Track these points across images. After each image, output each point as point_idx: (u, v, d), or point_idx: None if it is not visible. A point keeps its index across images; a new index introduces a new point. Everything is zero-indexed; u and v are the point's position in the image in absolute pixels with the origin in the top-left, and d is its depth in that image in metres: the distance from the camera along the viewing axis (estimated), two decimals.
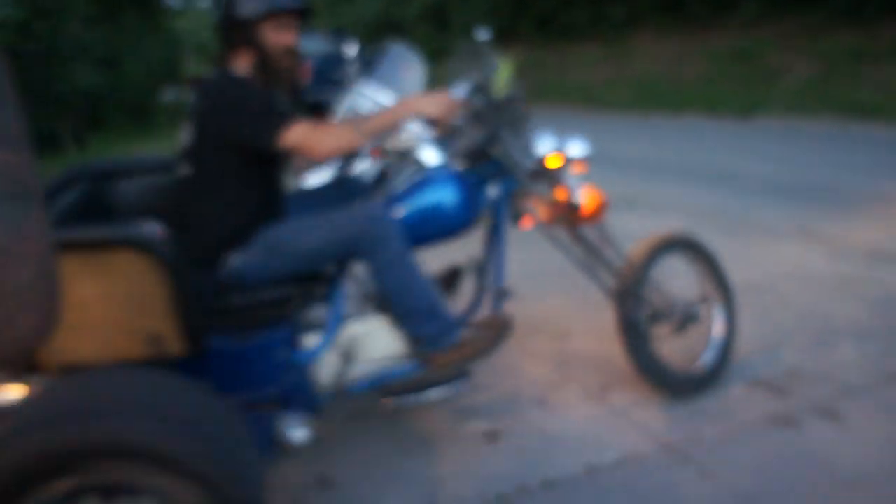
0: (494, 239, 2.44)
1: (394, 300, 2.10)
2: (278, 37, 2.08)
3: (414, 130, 2.43)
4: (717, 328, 2.77)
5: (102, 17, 11.66)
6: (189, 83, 3.17)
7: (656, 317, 2.60)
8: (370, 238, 2.03)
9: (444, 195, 2.26)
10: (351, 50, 5.38)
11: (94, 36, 10.73)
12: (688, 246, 2.73)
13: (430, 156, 2.46)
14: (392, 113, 2.12)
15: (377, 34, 26.49)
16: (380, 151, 4.91)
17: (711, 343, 2.75)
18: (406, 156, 2.95)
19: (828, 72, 12.75)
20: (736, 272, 4.11)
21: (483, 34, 2.59)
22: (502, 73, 6.19)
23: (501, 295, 2.42)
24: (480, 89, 2.40)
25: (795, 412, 2.54)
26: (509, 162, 2.37)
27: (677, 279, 2.85)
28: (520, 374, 2.87)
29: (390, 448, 2.41)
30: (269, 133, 1.96)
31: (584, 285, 3.86)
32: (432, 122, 2.20)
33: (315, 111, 7.49)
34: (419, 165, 2.41)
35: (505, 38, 21.83)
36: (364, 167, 4.95)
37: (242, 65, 2.11)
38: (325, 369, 2.11)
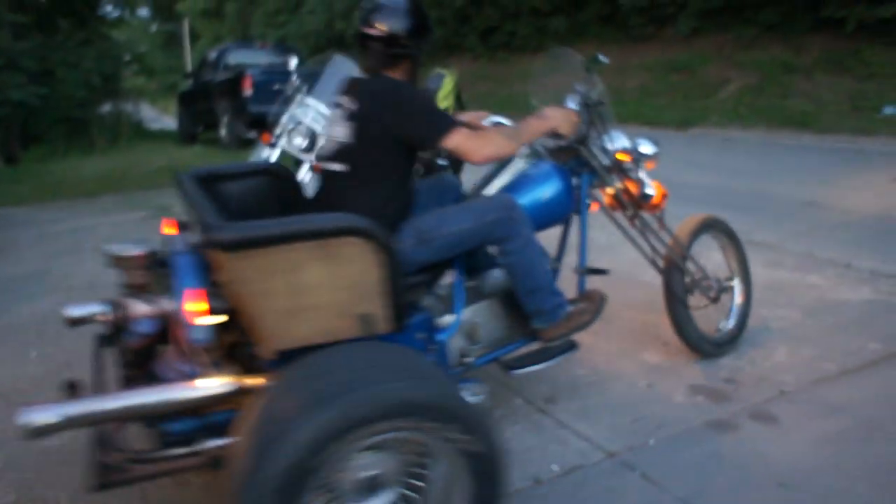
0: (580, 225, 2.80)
1: (523, 279, 2.35)
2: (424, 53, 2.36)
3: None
4: (739, 299, 3.23)
5: (34, 27, 11.23)
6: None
7: (695, 287, 3.04)
8: (508, 223, 2.25)
9: (555, 187, 2.57)
10: (292, 62, 5.31)
11: (26, 46, 10.31)
12: (719, 227, 3.20)
13: None
14: (536, 126, 2.43)
15: (322, 46, 26.34)
16: (320, 168, 4.87)
17: (734, 311, 3.21)
18: None
19: (761, 84, 13.23)
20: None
21: (603, 59, 2.90)
22: (446, 86, 6.20)
23: (586, 274, 2.79)
24: (585, 101, 2.72)
25: (734, 416, 2.60)
26: (593, 159, 2.73)
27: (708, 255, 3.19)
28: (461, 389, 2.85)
29: None
30: (437, 133, 2.16)
31: None
32: (558, 134, 2.53)
33: (257, 123, 7.42)
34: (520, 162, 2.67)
35: (449, 50, 21.99)
36: (306, 178, 4.88)
37: (398, 74, 2.31)
38: (453, 347, 2.36)
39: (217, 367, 1.87)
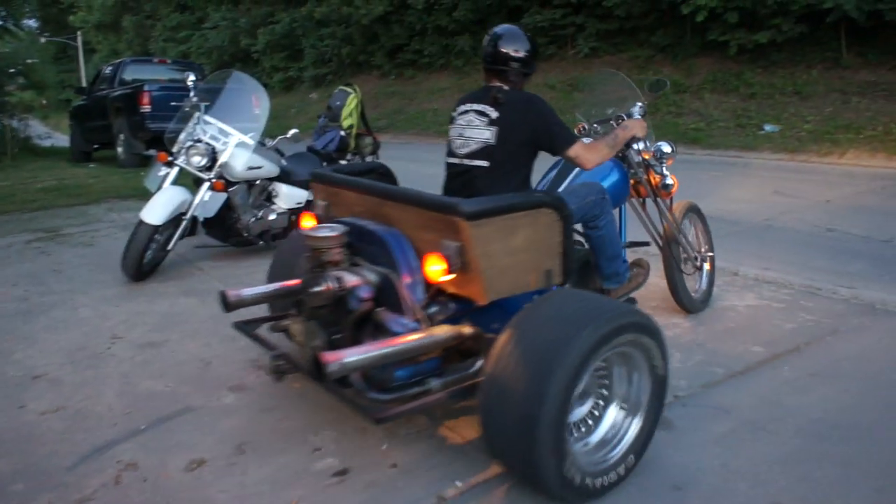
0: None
1: (607, 247, 3.04)
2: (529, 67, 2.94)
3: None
4: (709, 267, 4.05)
5: None
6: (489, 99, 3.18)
7: (687, 258, 3.79)
8: (601, 204, 2.94)
9: (619, 177, 3.35)
10: (190, 78, 5.15)
11: None
12: (696, 210, 3.97)
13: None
14: (623, 135, 3.14)
15: (227, 63, 25.74)
16: (222, 185, 4.74)
17: (706, 277, 4.02)
18: (251, 182, 5.01)
19: (656, 102, 13.89)
20: None
21: (664, 83, 3.98)
22: (349, 103, 6.20)
23: (629, 247, 3.60)
24: (644, 112, 3.48)
25: None
26: (635, 157, 3.41)
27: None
28: None
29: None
30: (566, 143, 2.77)
31: None
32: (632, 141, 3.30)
33: (156, 141, 7.13)
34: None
35: (357, 67, 21.96)
36: (206, 197, 4.73)
37: (522, 88, 2.90)
38: None
39: (431, 320, 2.37)
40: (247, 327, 2.85)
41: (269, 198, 5.35)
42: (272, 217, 5.23)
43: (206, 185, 4.82)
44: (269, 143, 5.32)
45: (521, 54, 2.84)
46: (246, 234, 5.12)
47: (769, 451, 2.48)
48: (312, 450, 2.50)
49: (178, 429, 2.68)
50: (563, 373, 1.99)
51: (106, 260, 4.99)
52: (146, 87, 10.82)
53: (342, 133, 5.89)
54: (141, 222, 4.47)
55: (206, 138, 4.91)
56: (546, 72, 16.77)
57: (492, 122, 2.75)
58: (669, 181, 3.55)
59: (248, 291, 2.73)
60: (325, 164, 5.70)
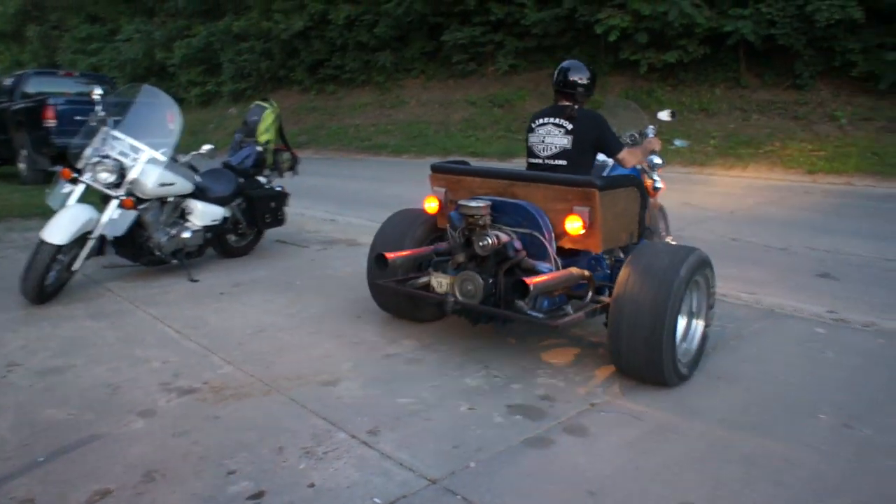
0: None
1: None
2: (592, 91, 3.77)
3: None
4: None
5: None
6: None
7: (659, 240, 4.51)
8: (642, 188, 3.77)
9: (638, 175, 4.04)
10: (97, 91, 4.94)
11: None
12: (662, 208, 4.81)
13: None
14: (648, 147, 4.17)
15: (141, 77, 24.87)
16: (131, 202, 4.58)
17: None
18: (164, 200, 4.97)
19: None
20: None
21: (668, 115, 4.79)
22: (266, 119, 6.09)
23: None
24: (655, 132, 4.51)
25: (550, 432, 2.73)
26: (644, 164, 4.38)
27: None
28: (284, 427, 2.76)
29: None
30: (618, 149, 3.67)
31: (351, 332, 3.86)
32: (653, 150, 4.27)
33: (60, 158, 6.80)
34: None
35: (277, 82, 21.66)
36: (114, 215, 4.55)
37: (577, 103, 3.65)
38: None
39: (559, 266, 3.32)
40: (399, 286, 3.66)
41: (184, 215, 5.18)
42: (186, 235, 5.07)
43: (115, 202, 4.62)
44: (183, 158, 5.16)
45: (584, 81, 3.67)
46: (159, 253, 4.93)
47: (678, 452, 2.57)
48: (226, 473, 2.43)
49: (81, 459, 2.54)
50: (676, 294, 3.00)
51: (4, 283, 4.71)
52: (50, 101, 10.33)
53: (259, 149, 5.77)
54: (42, 242, 4.24)
55: (114, 154, 4.72)
56: (467, 88, 17.02)
57: (567, 132, 3.59)
58: (659, 184, 4.49)
59: (403, 255, 3.55)
60: (241, 180, 5.58)
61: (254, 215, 5.69)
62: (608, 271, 3.73)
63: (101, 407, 2.96)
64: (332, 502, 2.26)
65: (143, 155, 4.77)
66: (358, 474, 2.42)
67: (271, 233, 6.24)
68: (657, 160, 4.42)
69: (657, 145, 4.24)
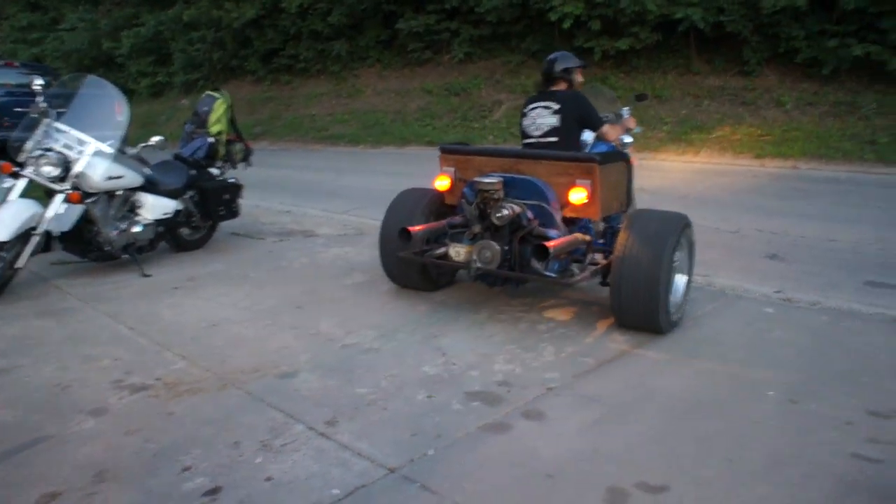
0: None
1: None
2: (578, 76, 4.25)
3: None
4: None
5: None
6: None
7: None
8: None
9: (613, 149, 4.39)
10: (37, 82, 4.77)
11: None
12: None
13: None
14: (626, 125, 4.61)
15: (88, 67, 24.09)
16: (78, 196, 4.45)
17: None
18: (112, 194, 4.86)
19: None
20: (457, 291, 4.39)
21: (646, 96, 5.63)
22: (218, 108, 5.97)
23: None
24: (630, 112, 4.86)
25: (508, 417, 2.75)
26: (621, 139, 4.64)
27: None
28: (240, 421, 2.72)
29: None
30: (599, 124, 4.16)
31: (308, 323, 3.84)
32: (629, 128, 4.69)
33: (3, 152, 6.56)
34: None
35: (230, 72, 21.22)
36: (60, 210, 4.42)
37: (563, 87, 4.17)
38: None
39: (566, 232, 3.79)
40: (417, 257, 4.00)
41: (134, 209, 5.06)
42: (137, 229, 4.95)
43: (60, 197, 4.48)
44: (131, 151, 5.03)
45: (572, 65, 4.21)
46: (108, 248, 4.80)
47: (634, 433, 2.62)
48: (181, 469, 2.39)
49: (28, 462, 2.47)
50: (669, 251, 3.50)
51: None
52: None
53: (210, 140, 5.66)
54: None
55: (58, 147, 4.57)
56: (423, 76, 16.93)
57: (555, 112, 4.06)
58: (634, 161, 4.88)
59: (422, 229, 3.86)
60: (193, 171, 5.46)
61: (207, 208, 5.58)
62: (600, 237, 4.13)
63: (49, 407, 2.88)
64: (290, 495, 2.25)
65: (88, 147, 4.63)
66: (316, 466, 2.41)
67: (226, 225, 6.13)
68: (627, 139, 4.72)
69: (633, 124, 4.72)
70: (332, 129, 16.58)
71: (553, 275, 3.70)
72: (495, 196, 3.70)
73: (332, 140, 16.01)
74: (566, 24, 13.32)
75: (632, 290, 3.50)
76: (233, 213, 5.80)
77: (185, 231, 5.60)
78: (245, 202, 6.11)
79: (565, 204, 3.80)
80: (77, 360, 3.36)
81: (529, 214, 3.73)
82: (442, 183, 4.20)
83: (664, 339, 3.56)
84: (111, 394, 2.99)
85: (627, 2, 12.31)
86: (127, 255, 4.95)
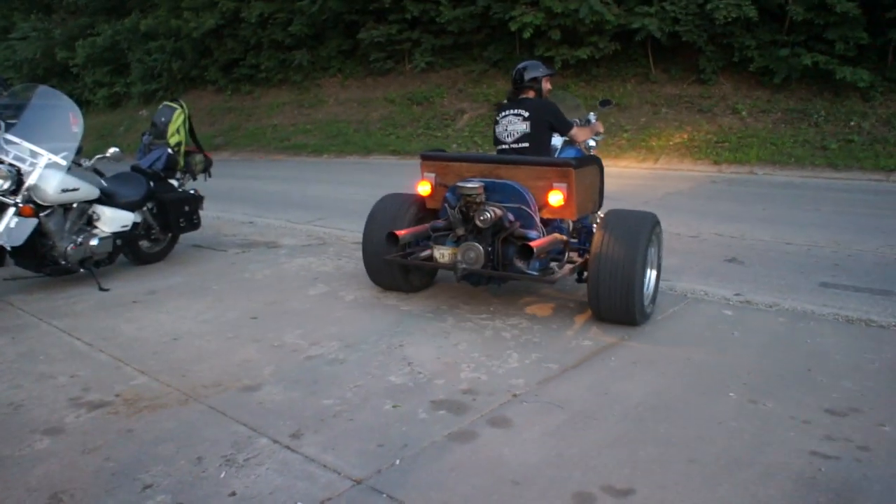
0: None
1: None
2: (546, 84, 4.50)
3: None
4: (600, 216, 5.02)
5: None
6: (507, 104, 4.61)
7: None
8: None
9: (580, 152, 4.74)
10: None
11: None
12: None
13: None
14: (593, 129, 4.82)
15: (41, 77, 23.54)
16: (31, 210, 4.34)
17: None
18: (67, 207, 4.74)
19: (491, 114, 14.46)
20: (422, 300, 4.38)
21: (610, 101, 5.68)
22: (176, 119, 5.89)
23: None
24: (596, 117, 5.15)
25: (474, 425, 2.75)
26: (587, 143, 4.95)
27: None
28: (203, 437, 2.67)
29: None
30: (569, 127, 4.41)
31: (272, 335, 3.79)
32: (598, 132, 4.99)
33: None
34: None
35: (190, 82, 20.94)
36: (11, 224, 4.30)
37: (531, 95, 4.39)
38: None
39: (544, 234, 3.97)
40: (403, 259, 4.19)
41: (91, 222, 4.94)
42: (94, 242, 4.83)
43: (12, 210, 4.36)
44: (86, 163, 4.92)
45: (537, 77, 4.42)
46: (64, 263, 4.68)
47: (599, 437, 2.64)
48: (142, 487, 2.33)
49: None
50: (642, 247, 3.73)
51: None
52: None
53: (169, 151, 5.57)
54: None
55: (8, 159, 4.45)
56: (385, 86, 16.94)
57: (525, 119, 4.27)
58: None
59: (408, 232, 4.05)
60: (152, 183, 5.36)
61: (167, 220, 5.48)
62: (574, 237, 4.41)
63: (0, 428, 2.78)
64: None
65: (41, 159, 4.52)
66: (281, 479, 2.37)
67: (187, 237, 6.03)
68: (591, 142, 4.99)
69: (601, 128, 4.96)
70: (295, 139, 16.48)
71: (535, 273, 3.89)
72: (477, 200, 3.86)
73: (295, 150, 15.90)
74: (527, 34, 13.48)
75: (609, 285, 3.72)
76: (193, 224, 5.71)
77: (144, 244, 5.50)
78: (206, 213, 6.03)
79: (543, 206, 3.98)
80: (31, 378, 3.27)
81: (510, 217, 3.89)
82: (424, 188, 4.35)
83: (625, 343, 3.61)
84: (68, 412, 2.91)
85: (586, 12, 12.51)
86: (84, 269, 4.83)
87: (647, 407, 2.89)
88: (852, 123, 11.00)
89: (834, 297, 4.38)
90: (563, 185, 3.89)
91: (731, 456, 2.49)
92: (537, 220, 3.96)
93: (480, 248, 3.80)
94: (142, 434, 2.71)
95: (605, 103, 5.51)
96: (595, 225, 4.16)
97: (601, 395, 3.00)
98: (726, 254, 5.56)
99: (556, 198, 3.90)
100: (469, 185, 3.86)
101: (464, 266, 3.81)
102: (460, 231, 3.97)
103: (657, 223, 4.00)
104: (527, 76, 4.39)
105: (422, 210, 4.43)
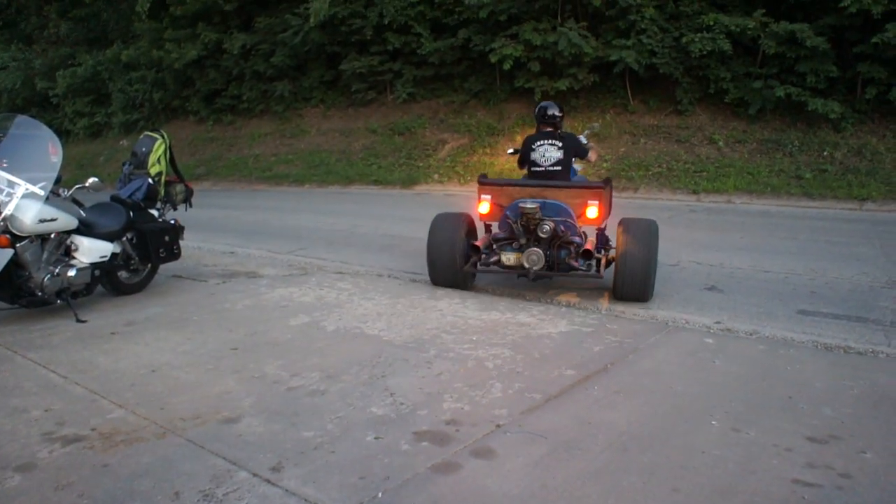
0: None
1: None
2: (562, 121, 5.76)
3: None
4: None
5: None
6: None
7: None
8: None
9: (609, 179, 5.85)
10: None
11: None
12: None
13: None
14: (596, 150, 6.24)
15: (21, 107, 23.39)
16: (7, 240, 4.28)
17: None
18: (45, 237, 4.70)
19: (472, 144, 14.59)
20: (404, 330, 4.36)
21: (596, 126, 9.71)
22: (157, 149, 5.87)
23: None
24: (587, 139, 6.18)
25: (457, 456, 2.73)
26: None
27: None
28: (181, 471, 2.62)
29: None
30: (587, 152, 5.71)
31: (252, 366, 3.75)
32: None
33: None
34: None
35: (171, 112, 20.94)
36: None
37: (551, 129, 5.59)
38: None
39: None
40: (480, 269, 5.40)
41: (69, 252, 4.88)
42: (72, 273, 4.77)
43: None
44: (65, 193, 4.87)
45: (559, 114, 5.64)
46: (40, 294, 4.61)
47: (582, 467, 2.63)
48: None
49: None
50: (654, 247, 4.96)
51: None
52: None
53: (150, 181, 5.55)
54: None
55: None
56: (367, 116, 17.04)
57: (560, 148, 5.46)
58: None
59: (482, 243, 5.31)
60: (132, 213, 5.32)
61: (146, 250, 5.43)
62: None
63: None
64: None
65: (18, 190, 4.47)
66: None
67: (167, 268, 5.98)
68: (576, 165, 5.87)
69: (598, 149, 6.68)
70: (277, 169, 16.47)
71: (584, 269, 5.07)
72: (536, 216, 4.88)
73: (277, 180, 15.90)
74: (507, 66, 13.68)
75: (632, 272, 4.90)
76: (173, 254, 5.66)
77: (123, 274, 5.43)
78: (187, 243, 5.98)
79: (580, 217, 5.15)
80: (3, 413, 3.19)
81: (561, 227, 4.98)
82: (484, 207, 5.41)
83: (608, 372, 3.61)
84: (41, 447, 2.84)
85: (564, 44, 12.74)
86: (60, 301, 4.76)
87: (630, 436, 2.88)
88: (825, 153, 11.25)
89: (812, 325, 4.43)
90: (596, 202, 5.11)
91: (714, 485, 2.48)
92: (579, 229, 5.13)
93: (541, 252, 4.90)
94: (117, 469, 2.65)
95: (592, 128, 7.17)
96: (605, 229, 5.54)
97: (584, 425, 2.99)
98: (706, 282, 5.61)
99: (592, 211, 5.12)
100: (529, 205, 4.87)
101: (527, 267, 4.94)
102: (522, 240, 5.05)
103: (657, 226, 5.17)
104: (548, 113, 5.58)
105: (470, 225, 5.57)
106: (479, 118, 15.09)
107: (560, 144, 5.46)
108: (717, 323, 4.46)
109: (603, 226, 5.48)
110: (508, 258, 5.08)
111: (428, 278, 5.63)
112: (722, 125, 12.70)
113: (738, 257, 6.45)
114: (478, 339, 4.20)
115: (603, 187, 5.19)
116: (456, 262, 5.34)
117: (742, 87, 12.26)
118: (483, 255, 5.33)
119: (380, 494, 2.45)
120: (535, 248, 4.92)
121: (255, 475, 2.58)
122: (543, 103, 5.72)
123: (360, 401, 3.28)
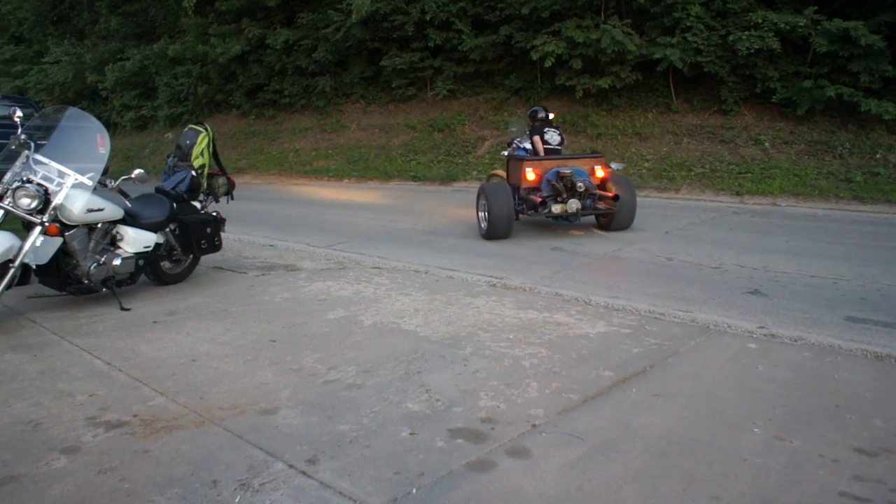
0: None
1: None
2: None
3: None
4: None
5: None
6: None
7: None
8: None
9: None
10: (17, 114, 4.73)
11: None
12: None
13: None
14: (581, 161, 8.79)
15: (72, 100, 24.08)
16: (56, 229, 4.40)
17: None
18: (92, 227, 4.86)
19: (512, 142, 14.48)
20: (440, 326, 4.35)
21: (545, 112, 9.03)
22: (201, 142, 5.96)
23: None
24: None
25: (492, 454, 2.71)
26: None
27: None
28: (219, 459, 2.65)
29: None
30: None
31: (290, 359, 3.78)
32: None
33: None
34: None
35: (215, 106, 21.29)
36: (38, 242, 4.35)
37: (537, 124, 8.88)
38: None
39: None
40: (534, 213, 7.70)
41: (114, 242, 5.00)
42: (117, 262, 4.88)
43: (38, 229, 4.43)
44: (112, 184, 4.99)
45: (550, 114, 8.81)
46: (87, 282, 4.73)
47: (620, 471, 2.58)
48: None
49: None
50: (633, 191, 8.05)
51: None
52: None
53: (193, 173, 5.65)
54: None
55: (37, 178, 4.53)
56: (407, 112, 17.09)
57: (559, 134, 8.62)
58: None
59: (539, 200, 7.52)
60: (175, 205, 5.42)
61: (188, 241, 5.53)
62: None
63: (19, 446, 2.79)
64: None
65: (68, 180, 4.59)
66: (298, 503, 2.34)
67: (208, 259, 6.08)
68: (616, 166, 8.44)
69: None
70: (317, 164, 16.64)
71: (604, 209, 7.59)
72: (572, 178, 7.31)
73: (317, 174, 16.05)
74: (548, 63, 13.58)
75: (625, 209, 7.65)
76: (215, 246, 5.75)
77: (166, 264, 5.55)
78: (228, 236, 6.07)
79: (591, 175, 7.56)
80: (50, 397, 3.28)
81: (588, 183, 7.36)
82: (531, 175, 7.65)
83: (647, 375, 3.55)
84: (85, 431, 2.91)
85: (608, 42, 12.58)
86: (106, 289, 4.88)
87: (669, 441, 2.82)
88: (878, 156, 10.89)
89: (861, 332, 4.29)
90: (601, 166, 7.71)
91: (757, 494, 2.41)
92: (594, 186, 7.49)
93: (578, 202, 7.31)
94: (158, 455, 2.70)
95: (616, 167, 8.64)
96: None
97: (622, 428, 2.94)
98: (749, 285, 5.48)
99: (600, 173, 7.67)
100: (566, 171, 7.40)
101: (571, 212, 7.30)
102: (564, 195, 7.35)
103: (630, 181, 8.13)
104: (539, 116, 8.66)
105: (513, 188, 7.86)
106: (519, 115, 14.99)
107: (558, 131, 8.64)
108: (761, 328, 4.35)
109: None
110: (556, 208, 7.26)
111: (457, 273, 5.60)
112: (768, 126, 12.39)
113: (782, 261, 6.28)
114: (514, 337, 4.17)
115: (603, 156, 8.04)
116: (513, 215, 7.49)
117: (790, 86, 11.95)
118: (530, 211, 7.57)
119: (414, 490, 2.44)
120: (574, 199, 7.26)
121: (290, 466, 2.60)
122: (535, 108, 8.85)
123: (395, 396, 3.28)
